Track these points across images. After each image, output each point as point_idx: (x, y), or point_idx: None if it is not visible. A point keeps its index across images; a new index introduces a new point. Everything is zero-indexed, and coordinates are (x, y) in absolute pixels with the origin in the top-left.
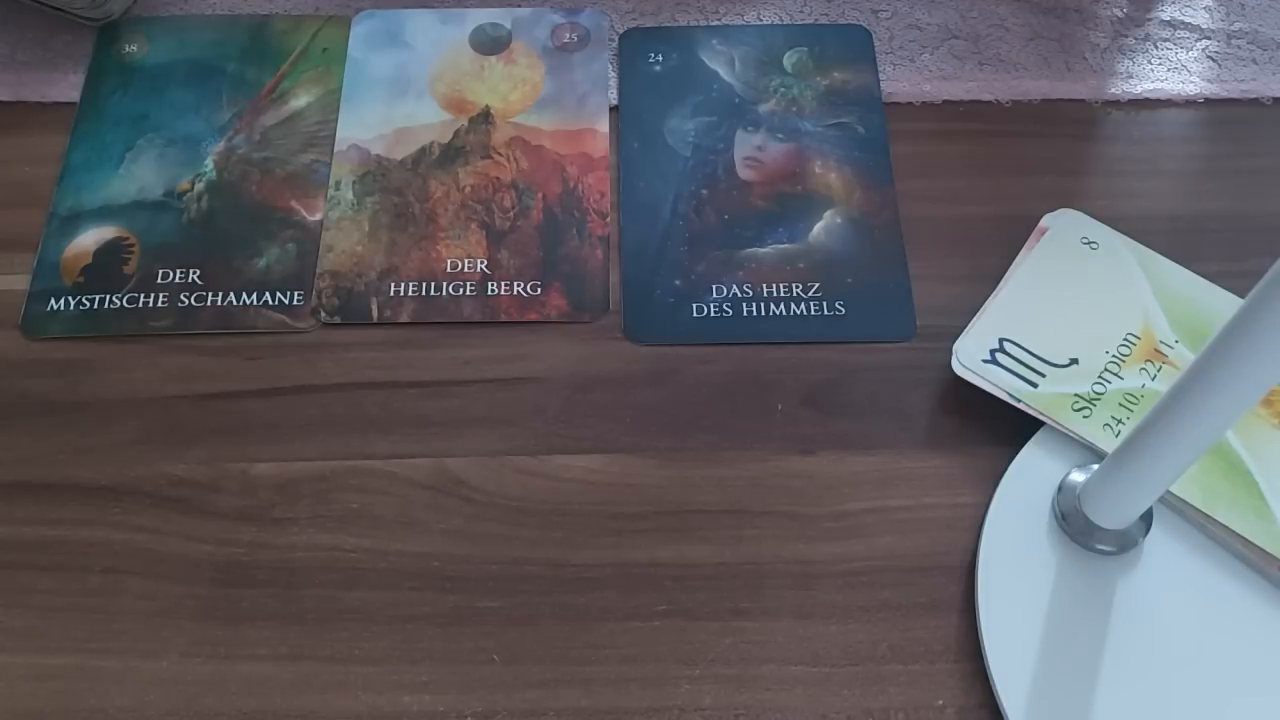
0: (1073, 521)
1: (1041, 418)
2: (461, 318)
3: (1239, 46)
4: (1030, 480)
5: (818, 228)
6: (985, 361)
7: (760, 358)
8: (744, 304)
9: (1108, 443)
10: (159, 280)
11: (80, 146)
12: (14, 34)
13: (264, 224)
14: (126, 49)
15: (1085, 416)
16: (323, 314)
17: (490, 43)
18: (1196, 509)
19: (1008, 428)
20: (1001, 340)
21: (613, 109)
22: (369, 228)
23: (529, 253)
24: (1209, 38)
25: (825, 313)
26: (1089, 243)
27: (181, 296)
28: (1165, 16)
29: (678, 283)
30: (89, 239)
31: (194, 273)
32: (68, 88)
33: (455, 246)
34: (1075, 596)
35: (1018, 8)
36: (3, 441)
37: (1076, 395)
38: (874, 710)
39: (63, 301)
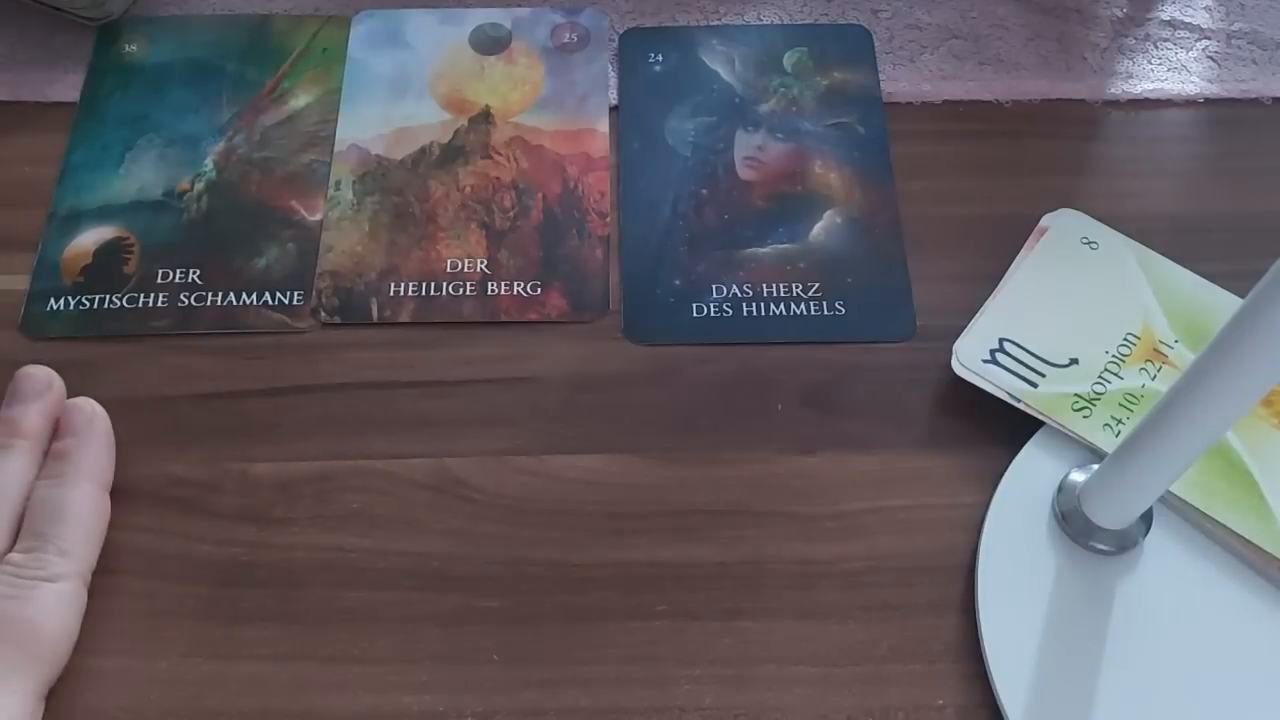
0: (1073, 521)
1: (1041, 418)
2: (461, 318)
3: (1239, 46)
4: (1030, 480)
5: (818, 228)
6: (985, 361)
7: (760, 358)
8: (744, 304)
9: (1108, 443)
10: (159, 280)
11: (80, 146)
12: (14, 34)
13: (264, 224)
14: (126, 49)
15: (1085, 416)
16: (323, 314)
17: (490, 43)
18: (1196, 509)
19: (1008, 428)
20: (1001, 340)
21: (613, 109)
22: (369, 228)
23: (529, 253)
24: (1209, 38)
25: (825, 313)
26: (1089, 243)
27: (181, 296)
28: (1165, 16)
29: (678, 283)
30: (89, 239)
31: (194, 273)
32: (67, 88)
33: (455, 246)
34: (1075, 596)
35: (1018, 8)
36: None
37: (1076, 395)
38: (874, 710)
39: (63, 301)
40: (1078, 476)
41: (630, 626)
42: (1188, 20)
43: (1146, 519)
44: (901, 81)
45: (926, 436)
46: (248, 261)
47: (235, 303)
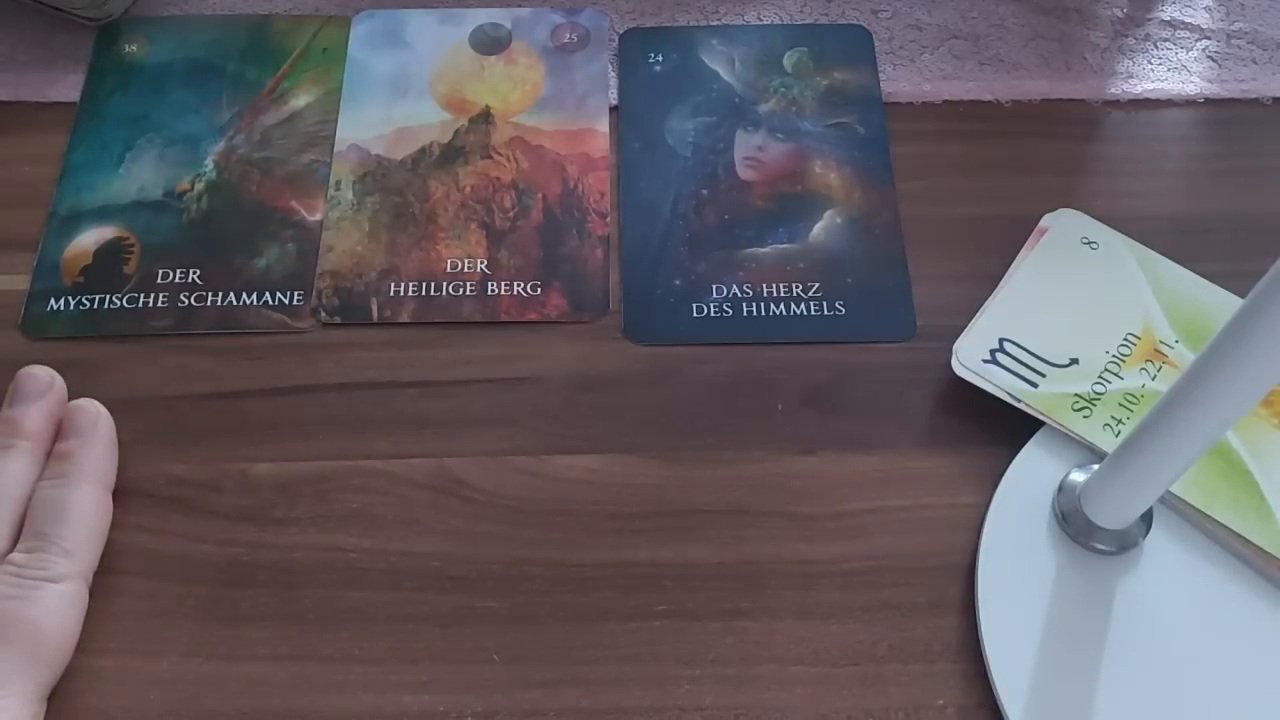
0: (1073, 521)
1: (1041, 418)
2: (461, 318)
3: (1239, 46)
4: (1030, 480)
5: (818, 228)
6: (985, 361)
7: (760, 358)
8: (744, 304)
9: (1108, 443)
10: (159, 280)
11: (80, 146)
12: (14, 34)
13: (264, 224)
14: (126, 49)
15: (1085, 416)
16: (323, 314)
17: (490, 43)
18: (1196, 509)
19: (1008, 428)
20: (1001, 340)
21: (613, 109)
22: (369, 228)
23: (529, 253)
24: (1209, 38)
25: (825, 313)
26: (1089, 243)
27: (181, 296)
28: (1165, 16)
29: (678, 283)
30: (89, 239)
31: (194, 273)
32: (67, 88)
33: (455, 246)
34: (1075, 596)
35: (1018, 8)
36: None
37: (1076, 395)
38: (874, 710)
39: (63, 301)
40: (1078, 476)
41: (630, 626)
42: (1188, 20)
43: (1146, 519)
44: (901, 81)
45: (926, 436)
46: (248, 261)
47: (235, 303)
